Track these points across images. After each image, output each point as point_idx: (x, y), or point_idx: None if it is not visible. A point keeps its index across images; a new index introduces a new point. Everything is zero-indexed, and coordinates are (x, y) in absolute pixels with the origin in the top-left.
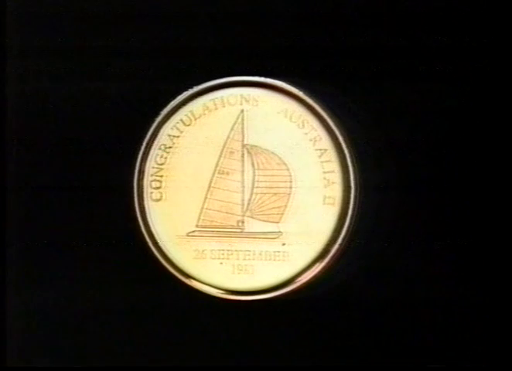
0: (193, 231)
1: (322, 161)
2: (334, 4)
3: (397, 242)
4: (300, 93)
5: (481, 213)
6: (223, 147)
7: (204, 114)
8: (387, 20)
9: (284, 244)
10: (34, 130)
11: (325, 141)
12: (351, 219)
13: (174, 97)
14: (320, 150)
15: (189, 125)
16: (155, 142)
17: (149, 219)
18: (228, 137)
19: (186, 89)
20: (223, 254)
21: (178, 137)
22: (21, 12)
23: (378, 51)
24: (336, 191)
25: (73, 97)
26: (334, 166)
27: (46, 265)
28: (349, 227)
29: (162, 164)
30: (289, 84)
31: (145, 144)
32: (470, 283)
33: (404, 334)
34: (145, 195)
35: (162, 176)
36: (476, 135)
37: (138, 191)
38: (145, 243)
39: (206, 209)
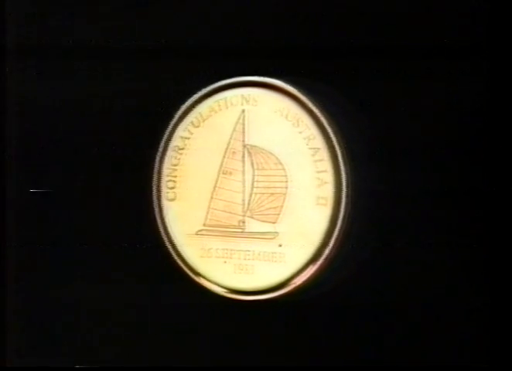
0: (201, 230)
1: (315, 160)
2: (330, 3)
3: (391, 243)
4: (294, 91)
5: (475, 215)
6: (227, 147)
7: (210, 116)
8: (383, 20)
9: (280, 245)
10: (47, 131)
11: (319, 140)
12: (343, 220)
13: (179, 98)
14: (314, 149)
15: (198, 127)
16: (170, 144)
17: (165, 218)
18: (231, 137)
19: (191, 90)
20: (226, 253)
21: (188, 138)
22: (21, 12)
23: (374, 50)
24: (328, 191)
25: (88, 97)
26: (326, 165)
27: (56, 264)
28: (340, 229)
29: (175, 165)
30: (285, 83)
31: (162, 145)
32: (462, 283)
33: (402, 334)
34: (162, 195)
35: (175, 177)
36: (472, 137)
37: (156, 191)
38: (162, 241)
39: (212, 208)
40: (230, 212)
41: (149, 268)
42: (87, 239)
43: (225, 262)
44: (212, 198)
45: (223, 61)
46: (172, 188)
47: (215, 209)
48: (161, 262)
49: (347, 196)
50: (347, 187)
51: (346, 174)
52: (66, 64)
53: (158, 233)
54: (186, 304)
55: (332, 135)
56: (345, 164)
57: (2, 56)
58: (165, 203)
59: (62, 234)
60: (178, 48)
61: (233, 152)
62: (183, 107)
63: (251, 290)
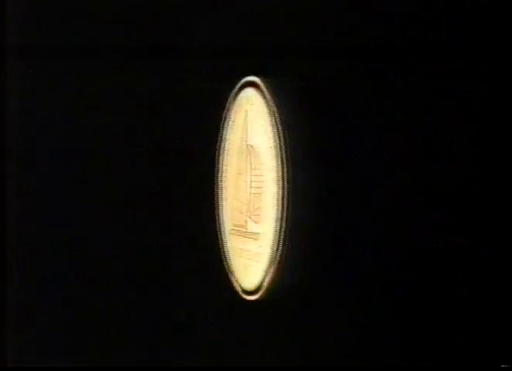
0: (232, 229)
1: (271, 159)
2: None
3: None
4: (264, 89)
5: (416, 210)
6: (240, 148)
7: (235, 118)
8: (382, 20)
9: (260, 246)
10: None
11: (271, 139)
12: (286, 221)
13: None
14: (270, 147)
15: (231, 128)
16: (222, 146)
17: (220, 218)
18: (241, 138)
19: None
20: (238, 252)
21: (228, 140)
22: (21, 12)
23: (371, 51)
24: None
25: (88, 98)
26: (273, 164)
27: (56, 264)
28: (285, 230)
29: (227, 165)
30: (264, 81)
31: (218, 148)
32: (415, 278)
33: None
34: (219, 196)
35: (226, 177)
36: (414, 134)
37: (216, 191)
38: (217, 239)
39: (235, 208)
40: (241, 213)
41: (206, 263)
42: (87, 239)
43: (238, 261)
44: (234, 198)
45: (223, 61)
46: (224, 188)
47: (235, 209)
48: (215, 258)
49: (288, 196)
50: (288, 186)
51: (287, 173)
52: (66, 64)
53: (216, 231)
54: (213, 303)
55: (277, 134)
56: (282, 163)
57: (2, 56)
58: (221, 203)
59: (61, 234)
60: (179, 48)
61: (242, 152)
62: (226, 110)
63: (249, 290)
